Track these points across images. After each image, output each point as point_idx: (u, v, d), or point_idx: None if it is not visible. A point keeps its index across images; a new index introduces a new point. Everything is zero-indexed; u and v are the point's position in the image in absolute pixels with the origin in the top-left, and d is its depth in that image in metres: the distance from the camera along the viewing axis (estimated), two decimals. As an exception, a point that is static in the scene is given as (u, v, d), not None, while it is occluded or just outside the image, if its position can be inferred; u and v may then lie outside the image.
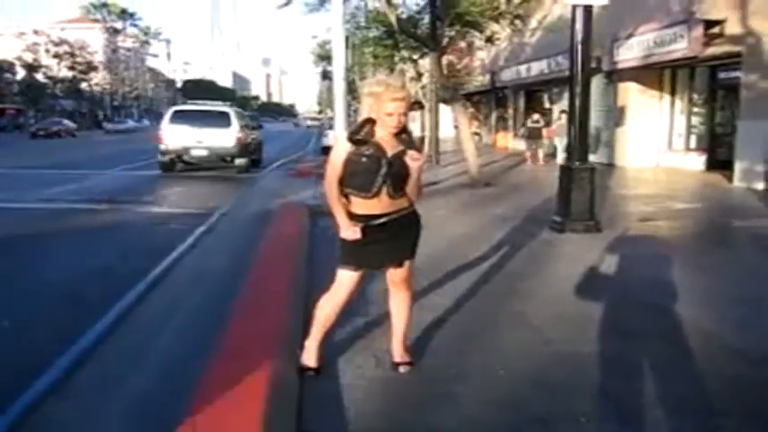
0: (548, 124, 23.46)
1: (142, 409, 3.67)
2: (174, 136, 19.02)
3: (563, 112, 19.74)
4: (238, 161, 19.43)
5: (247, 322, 4.57)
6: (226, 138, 19.05)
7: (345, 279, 4.03)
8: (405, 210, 4.02)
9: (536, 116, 23.00)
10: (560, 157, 18.33)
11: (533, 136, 22.38)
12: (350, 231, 3.85)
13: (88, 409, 3.72)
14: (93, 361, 4.58)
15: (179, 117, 19.79)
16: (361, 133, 3.83)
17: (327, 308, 4.12)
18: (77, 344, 4.92)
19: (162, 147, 19.20)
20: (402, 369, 4.19)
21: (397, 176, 3.84)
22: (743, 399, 3.88)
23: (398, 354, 4.23)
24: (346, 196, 3.92)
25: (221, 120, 19.50)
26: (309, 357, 4.17)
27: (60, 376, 4.34)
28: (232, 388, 3.40)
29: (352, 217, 3.91)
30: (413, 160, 3.75)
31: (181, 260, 7.80)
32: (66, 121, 62.07)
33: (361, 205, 3.88)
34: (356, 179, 3.83)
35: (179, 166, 19.64)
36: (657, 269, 7.07)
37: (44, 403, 3.92)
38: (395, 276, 4.13)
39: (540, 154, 22.25)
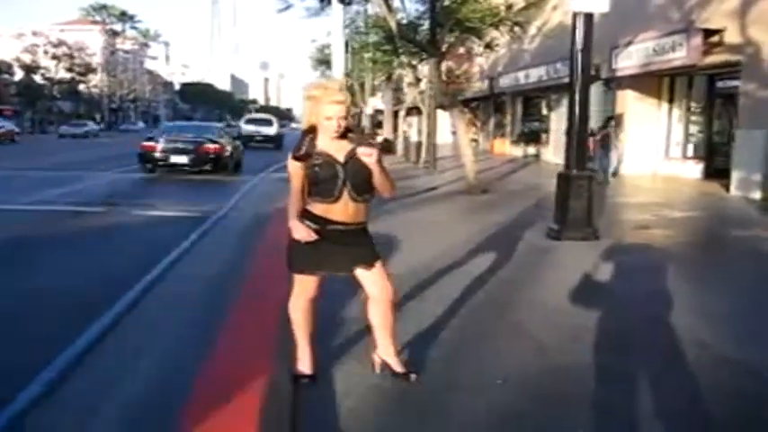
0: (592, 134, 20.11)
1: (136, 419, 3.62)
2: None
3: (610, 118, 19.26)
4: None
5: (242, 329, 4.53)
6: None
7: (301, 283, 4.00)
8: (362, 224, 3.96)
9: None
10: (609, 173, 17.77)
11: None
12: (303, 232, 3.76)
13: (79, 415, 3.66)
14: (82, 369, 4.53)
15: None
16: (302, 149, 3.77)
17: (296, 313, 4.09)
18: (74, 344, 4.88)
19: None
20: (413, 377, 4.11)
21: (358, 177, 3.78)
22: (741, 411, 3.85)
23: (398, 364, 4.16)
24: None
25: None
26: (303, 364, 4.14)
27: (54, 377, 4.29)
28: (227, 395, 3.38)
29: (310, 217, 3.84)
30: (366, 156, 3.66)
31: (175, 265, 7.74)
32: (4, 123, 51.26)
33: (323, 209, 3.82)
34: (318, 188, 3.78)
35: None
36: (654, 279, 7.05)
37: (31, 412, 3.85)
38: (366, 285, 4.00)
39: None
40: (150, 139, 20.36)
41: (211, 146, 19.75)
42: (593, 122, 16.26)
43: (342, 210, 3.81)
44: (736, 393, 4.08)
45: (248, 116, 50.03)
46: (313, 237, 3.75)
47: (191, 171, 19.45)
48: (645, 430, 3.60)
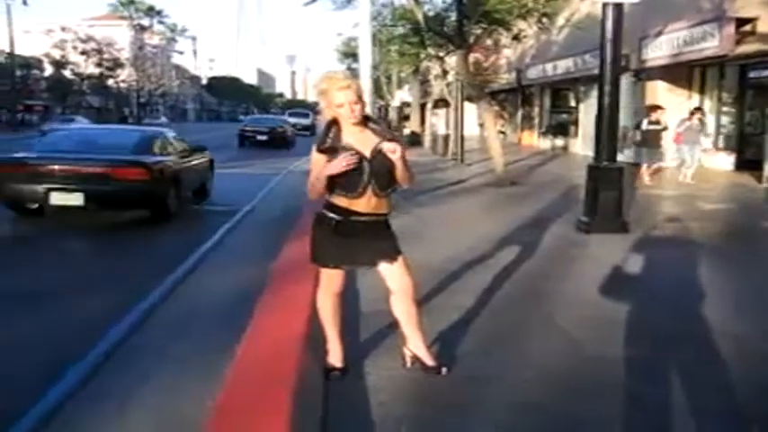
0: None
1: (166, 408, 3.64)
2: None
3: (698, 109, 17.03)
4: None
5: (272, 322, 4.55)
6: None
7: (327, 277, 4.02)
8: (384, 215, 3.95)
9: (655, 115, 16.02)
10: (689, 173, 15.74)
11: (651, 143, 15.81)
12: (341, 162, 3.64)
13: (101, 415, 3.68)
14: (112, 361, 4.59)
15: None
16: (327, 141, 3.76)
17: (324, 306, 4.10)
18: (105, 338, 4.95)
19: None
20: (444, 371, 4.10)
21: (382, 172, 3.78)
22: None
23: (428, 357, 4.15)
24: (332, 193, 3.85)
25: None
26: (334, 357, 4.15)
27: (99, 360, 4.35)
28: (258, 388, 3.38)
29: (334, 209, 3.84)
30: (392, 153, 3.67)
31: (206, 258, 7.80)
32: None
33: (347, 202, 3.80)
34: (342, 181, 3.75)
35: None
36: (685, 271, 6.97)
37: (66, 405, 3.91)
38: (388, 279, 3.99)
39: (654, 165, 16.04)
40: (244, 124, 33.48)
41: (280, 129, 30.76)
42: (623, 115, 16.05)
43: (365, 203, 3.81)
44: (771, 388, 4.03)
45: (290, 111, 67.78)
46: (354, 161, 3.66)
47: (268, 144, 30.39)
48: (677, 423, 3.57)
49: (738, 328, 5.09)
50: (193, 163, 12.48)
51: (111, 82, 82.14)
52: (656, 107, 16.39)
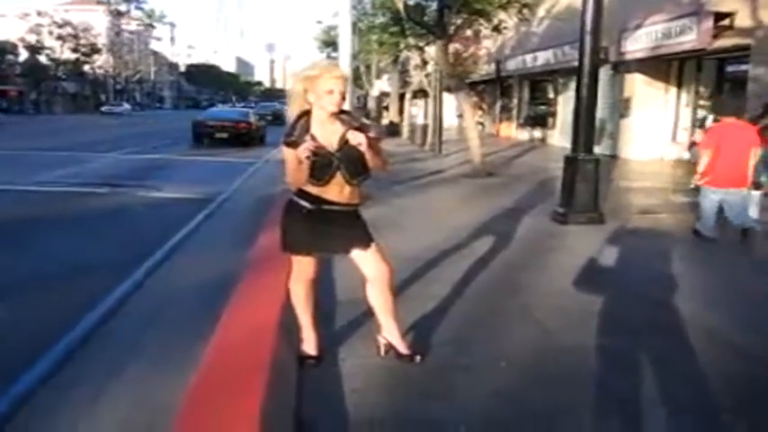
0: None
1: (140, 395, 3.61)
2: None
3: None
4: None
5: (247, 310, 4.51)
6: None
7: (299, 264, 4.01)
8: (355, 206, 3.94)
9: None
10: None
11: None
12: (308, 147, 3.58)
13: (80, 402, 3.64)
14: (86, 348, 4.54)
15: None
16: (294, 134, 3.72)
17: (296, 294, 4.11)
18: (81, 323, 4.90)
19: None
20: (417, 359, 4.11)
21: (351, 162, 3.76)
22: (745, 397, 3.83)
23: (402, 345, 4.15)
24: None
25: None
26: (308, 346, 4.14)
27: (61, 357, 4.30)
28: (231, 375, 3.36)
29: (306, 197, 3.82)
30: (357, 143, 3.65)
31: (180, 246, 7.75)
32: None
33: (318, 190, 3.79)
34: (312, 172, 3.72)
35: None
36: (660, 263, 7.02)
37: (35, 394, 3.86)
38: (363, 266, 3.97)
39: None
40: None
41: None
42: (600, 107, 16.02)
43: (337, 191, 3.80)
44: (742, 379, 4.07)
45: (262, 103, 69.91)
46: (311, 147, 3.59)
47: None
48: (647, 413, 3.59)
49: (710, 320, 5.13)
50: (262, 123, 30.19)
51: (87, 68, 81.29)
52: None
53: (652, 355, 4.39)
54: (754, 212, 8.81)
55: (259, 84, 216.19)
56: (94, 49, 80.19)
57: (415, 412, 3.55)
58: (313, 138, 3.68)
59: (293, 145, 3.69)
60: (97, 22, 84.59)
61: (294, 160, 3.70)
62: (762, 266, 7.24)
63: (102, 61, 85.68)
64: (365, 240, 3.93)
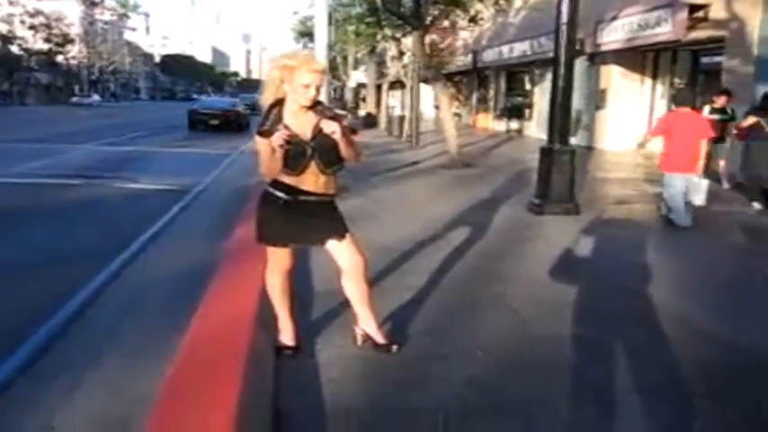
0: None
1: (118, 385, 3.60)
2: None
3: None
4: None
5: (224, 301, 4.51)
6: None
7: (274, 255, 4.01)
8: (331, 196, 3.93)
9: (720, 100, 12.38)
10: None
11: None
12: (281, 137, 3.59)
13: (58, 392, 3.62)
14: (64, 339, 4.52)
15: None
16: (267, 124, 3.71)
17: (272, 285, 4.10)
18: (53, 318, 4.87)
19: None
20: (394, 348, 4.13)
21: (325, 151, 3.74)
22: (717, 383, 3.89)
23: (379, 335, 4.17)
24: None
25: None
26: (285, 336, 4.14)
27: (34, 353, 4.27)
28: (208, 366, 3.36)
29: (281, 187, 3.81)
30: (331, 132, 3.62)
31: (157, 238, 7.72)
32: None
33: (293, 180, 3.78)
34: (286, 162, 3.72)
35: None
36: (634, 253, 7.09)
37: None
38: (338, 257, 3.97)
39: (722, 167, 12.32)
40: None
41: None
42: (576, 99, 16.14)
43: (313, 181, 3.79)
44: (714, 366, 4.13)
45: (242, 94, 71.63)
46: (285, 136, 3.59)
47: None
48: (621, 400, 3.63)
49: (683, 308, 5.19)
50: (247, 112, 32.93)
51: (60, 58, 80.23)
52: (722, 91, 12.46)
53: (627, 343, 4.44)
54: (701, 200, 9.31)
55: (235, 74, 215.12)
56: (67, 40, 79.24)
57: (391, 401, 3.57)
58: (286, 127, 3.67)
59: (266, 134, 3.68)
60: (70, 12, 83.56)
61: (268, 150, 3.69)
62: (734, 254, 7.35)
63: (75, 52, 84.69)
64: (340, 231, 3.93)
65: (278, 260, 4.01)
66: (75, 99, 73.42)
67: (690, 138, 8.47)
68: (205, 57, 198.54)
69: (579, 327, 4.74)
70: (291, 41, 48.63)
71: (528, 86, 28.88)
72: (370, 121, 32.33)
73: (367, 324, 4.14)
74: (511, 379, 3.86)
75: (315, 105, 3.74)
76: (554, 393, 3.69)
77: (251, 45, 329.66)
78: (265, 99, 3.79)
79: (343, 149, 3.75)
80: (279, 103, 3.74)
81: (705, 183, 9.37)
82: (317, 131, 3.70)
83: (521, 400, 3.60)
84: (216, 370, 3.30)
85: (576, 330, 4.67)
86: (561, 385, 3.79)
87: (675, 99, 9.67)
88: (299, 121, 3.72)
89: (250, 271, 4.98)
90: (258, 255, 4.35)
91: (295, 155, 3.69)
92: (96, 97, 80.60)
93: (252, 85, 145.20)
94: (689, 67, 18.79)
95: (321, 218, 3.89)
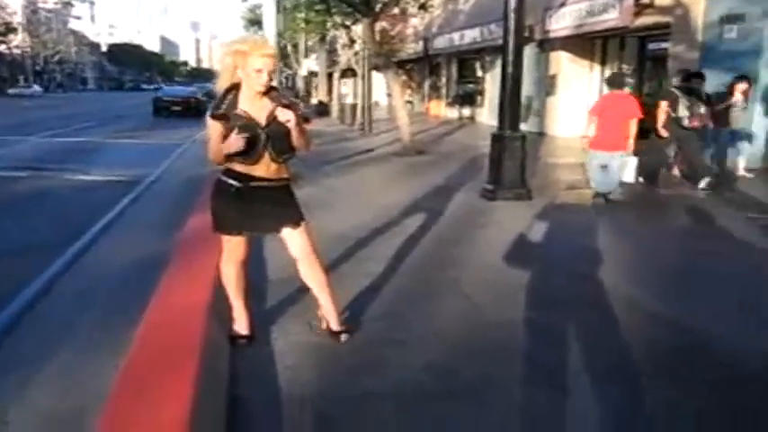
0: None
1: (71, 379, 3.56)
2: None
3: (742, 77, 11.63)
4: None
5: (177, 291, 4.46)
6: None
7: (229, 244, 3.98)
8: (285, 180, 3.93)
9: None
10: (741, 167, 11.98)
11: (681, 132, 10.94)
12: (237, 141, 3.59)
13: (10, 388, 3.57)
14: (15, 332, 4.45)
15: None
16: (222, 107, 3.70)
17: (227, 275, 4.09)
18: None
19: None
20: (343, 337, 4.15)
21: (278, 139, 3.73)
22: (666, 364, 3.99)
23: (336, 322, 4.18)
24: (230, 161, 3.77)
25: None
26: (240, 325, 4.13)
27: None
28: (162, 356, 3.33)
29: (233, 175, 3.78)
30: (286, 120, 3.62)
31: (107, 231, 7.61)
32: None
33: (245, 168, 3.76)
34: (242, 151, 3.68)
35: None
36: (585, 237, 7.21)
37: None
38: (291, 246, 3.97)
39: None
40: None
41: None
42: (526, 85, 16.24)
43: (264, 168, 3.78)
44: (663, 347, 4.24)
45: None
46: (243, 138, 3.60)
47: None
48: (573, 382, 3.70)
49: (632, 291, 5.30)
50: (205, 99, 32.11)
51: (3, 48, 78.11)
52: (693, 74, 11.49)
53: (578, 327, 4.52)
54: (630, 176, 9.87)
55: (185, 64, 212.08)
56: (9, 29, 77.18)
57: (347, 387, 3.59)
58: (241, 113, 3.66)
59: (221, 117, 3.66)
60: (12, 0, 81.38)
61: (219, 135, 3.67)
62: (680, 237, 7.52)
63: (18, 41, 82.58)
64: (296, 219, 3.92)
65: (233, 250, 3.99)
66: (12, 90, 69.73)
67: (618, 118, 8.99)
68: (154, 46, 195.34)
69: (532, 311, 4.81)
70: (241, 29, 48.10)
71: (479, 73, 29.03)
72: (322, 110, 32.19)
73: (327, 310, 4.16)
74: (465, 363, 3.90)
75: (269, 92, 3.72)
76: (507, 377, 3.74)
77: (200, 33, 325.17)
78: (220, 86, 3.77)
79: (295, 138, 3.74)
80: (235, 87, 3.72)
81: (634, 160, 9.89)
82: (272, 119, 3.68)
83: (475, 384, 3.65)
84: (170, 361, 3.28)
85: (529, 315, 4.73)
86: (514, 369, 3.85)
87: (608, 82, 10.15)
88: (254, 108, 3.70)
89: (203, 261, 4.94)
90: (211, 245, 4.32)
91: (249, 142, 3.65)
92: (37, 88, 77.40)
93: (202, 75, 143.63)
94: (636, 54, 19.09)
95: (276, 204, 3.88)
